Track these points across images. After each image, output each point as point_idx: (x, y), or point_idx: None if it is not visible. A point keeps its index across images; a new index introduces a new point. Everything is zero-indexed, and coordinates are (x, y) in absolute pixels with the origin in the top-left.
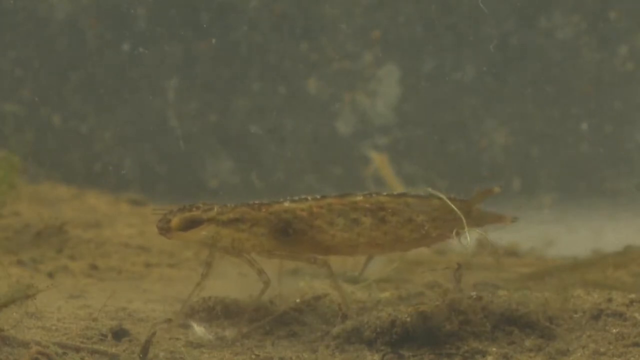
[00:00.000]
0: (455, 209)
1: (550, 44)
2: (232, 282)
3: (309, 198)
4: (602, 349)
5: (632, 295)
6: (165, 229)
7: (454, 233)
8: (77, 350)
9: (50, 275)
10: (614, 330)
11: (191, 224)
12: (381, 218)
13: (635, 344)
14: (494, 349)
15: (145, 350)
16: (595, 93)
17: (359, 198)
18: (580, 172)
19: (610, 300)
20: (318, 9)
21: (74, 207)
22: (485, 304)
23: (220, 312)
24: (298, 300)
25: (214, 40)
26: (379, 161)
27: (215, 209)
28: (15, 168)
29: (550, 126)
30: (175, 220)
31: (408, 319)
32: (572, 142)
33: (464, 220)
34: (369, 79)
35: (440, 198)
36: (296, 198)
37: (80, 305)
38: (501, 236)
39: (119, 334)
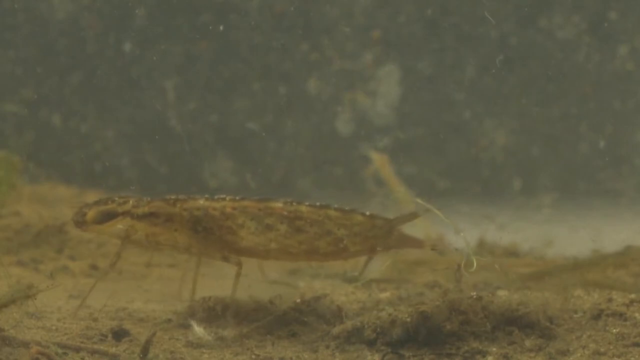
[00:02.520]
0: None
1: (550, 44)
2: (232, 282)
3: (227, 198)
4: (602, 349)
5: (632, 295)
6: (80, 222)
7: (373, 251)
8: (77, 350)
9: (50, 275)
10: (614, 331)
11: (106, 217)
12: (298, 227)
13: (636, 344)
14: (494, 349)
15: (145, 350)
16: (595, 93)
17: (278, 205)
18: (580, 172)
19: (610, 300)
20: (318, 9)
21: (74, 207)
22: (485, 304)
23: (220, 312)
24: (298, 300)
25: (206, 44)
26: (379, 161)
27: (131, 203)
28: (15, 168)
29: (550, 126)
30: (90, 213)
31: (408, 319)
32: (572, 142)
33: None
34: (369, 79)
35: (362, 214)
36: (215, 197)
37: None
38: (502, 236)
39: (119, 334)
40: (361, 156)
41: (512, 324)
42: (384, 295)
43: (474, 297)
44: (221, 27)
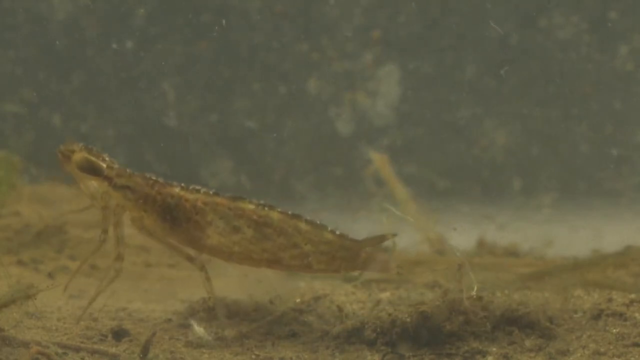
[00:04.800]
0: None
1: (550, 44)
2: (232, 282)
3: (201, 191)
4: (602, 349)
5: (632, 295)
6: (65, 156)
7: (337, 272)
8: (77, 350)
9: (50, 275)
10: (614, 330)
11: (90, 170)
12: (265, 234)
13: (635, 344)
14: (494, 349)
15: (145, 350)
16: (595, 93)
17: (250, 207)
18: (580, 172)
19: (610, 300)
20: (318, 9)
21: (74, 207)
22: (485, 304)
23: (220, 312)
24: (298, 300)
25: (206, 44)
26: (379, 161)
27: (115, 170)
28: (15, 168)
29: (550, 126)
30: (78, 156)
31: (408, 319)
32: (572, 142)
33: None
34: (369, 79)
35: (332, 232)
36: (190, 187)
37: (81, 305)
38: (502, 236)
39: (119, 334)
40: (361, 156)
41: (512, 324)
42: (384, 295)
43: (474, 297)
44: (223, 24)
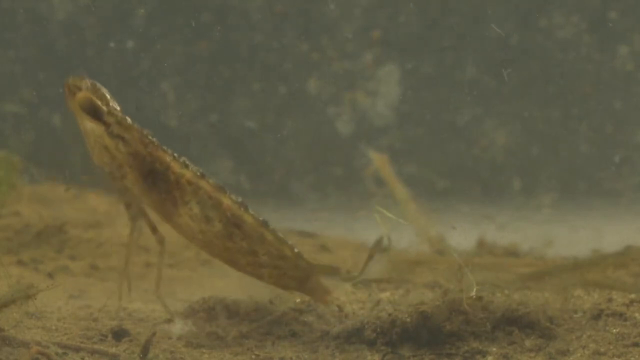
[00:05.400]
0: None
1: (550, 44)
2: (232, 282)
3: (192, 168)
4: (602, 349)
5: (632, 295)
6: (71, 92)
7: (284, 288)
8: (77, 350)
9: (50, 275)
10: (614, 331)
11: (91, 111)
12: (231, 234)
13: (636, 344)
14: (494, 349)
15: (145, 350)
16: (595, 93)
17: (228, 202)
18: (580, 172)
19: (610, 300)
20: (318, 9)
21: (74, 207)
22: (485, 304)
23: (220, 312)
24: (298, 300)
25: (206, 44)
26: (379, 161)
27: (116, 118)
28: (15, 168)
29: (550, 126)
30: (82, 94)
31: (408, 319)
32: (572, 142)
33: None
34: (369, 79)
35: (291, 249)
36: (182, 160)
37: (81, 305)
38: (502, 236)
39: (119, 334)
40: (361, 156)
41: (512, 324)
42: (384, 295)
43: (474, 297)
44: (220, 29)
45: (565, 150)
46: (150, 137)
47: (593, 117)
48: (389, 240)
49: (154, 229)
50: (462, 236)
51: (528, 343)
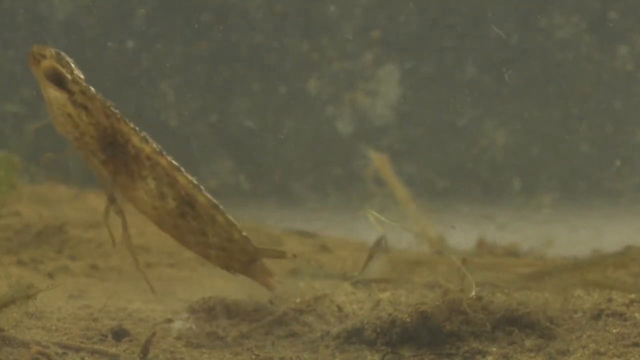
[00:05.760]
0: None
1: (550, 44)
2: (232, 282)
3: (150, 143)
4: (602, 349)
5: (632, 295)
6: (35, 60)
7: (228, 270)
8: (77, 350)
9: (50, 275)
10: (614, 331)
11: (55, 79)
12: (183, 213)
13: (636, 344)
14: (494, 349)
15: (145, 350)
16: (595, 93)
17: (183, 181)
18: (580, 172)
19: (610, 300)
20: (318, 9)
21: (74, 207)
22: (485, 304)
23: (220, 312)
24: (298, 300)
25: (206, 44)
26: (379, 161)
27: (79, 87)
28: (15, 168)
29: (550, 126)
30: (46, 62)
31: (408, 319)
32: (572, 142)
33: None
34: (369, 79)
35: (240, 233)
36: (143, 135)
37: (81, 305)
38: (502, 236)
39: (119, 334)
40: (361, 156)
41: (512, 324)
42: (384, 295)
43: (474, 297)
44: (221, 29)
45: (565, 150)
46: (112, 109)
47: (593, 117)
48: (385, 240)
49: (112, 199)
50: (462, 236)
51: (528, 343)
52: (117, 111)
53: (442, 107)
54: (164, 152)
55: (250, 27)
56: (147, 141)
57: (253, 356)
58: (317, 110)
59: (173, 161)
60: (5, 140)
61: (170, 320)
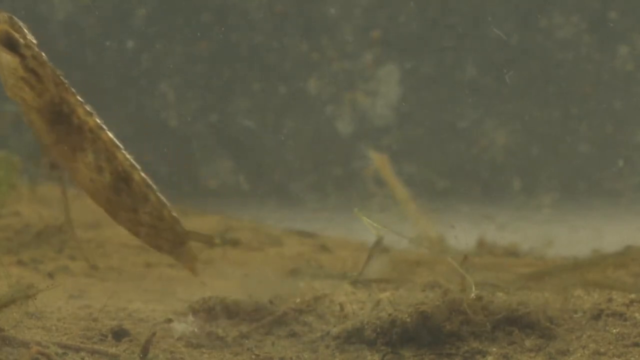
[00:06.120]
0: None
1: (550, 44)
2: (232, 282)
3: (94, 116)
4: (602, 349)
5: (632, 295)
6: None
7: (158, 249)
8: (77, 350)
9: (50, 275)
10: (614, 331)
11: (7, 43)
12: (118, 188)
13: (636, 344)
14: (494, 349)
15: (145, 350)
16: (595, 93)
17: (121, 156)
18: (580, 172)
19: (610, 300)
20: (318, 9)
21: (74, 207)
22: (485, 304)
23: (220, 312)
24: (298, 300)
25: (206, 44)
26: (379, 161)
27: (32, 52)
28: (15, 168)
29: (550, 126)
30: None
31: (408, 319)
32: (572, 142)
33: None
34: (369, 79)
35: (170, 213)
36: (88, 108)
37: (81, 305)
38: (502, 236)
39: (119, 334)
40: (361, 156)
41: (512, 324)
42: (384, 295)
43: (474, 297)
44: (222, 30)
45: (565, 150)
46: (62, 78)
47: (593, 117)
48: (381, 241)
49: (53, 165)
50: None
51: (528, 343)
52: (65, 81)
53: (442, 107)
54: (106, 128)
55: (250, 27)
56: (91, 115)
57: (253, 356)
58: (317, 110)
59: (114, 138)
60: (5, 140)
61: (170, 320)
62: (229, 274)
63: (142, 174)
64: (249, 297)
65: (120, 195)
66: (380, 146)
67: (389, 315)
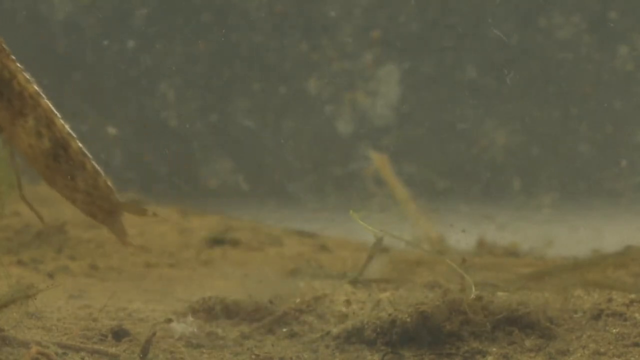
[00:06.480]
0: None
1: (550, 44)
2: (232, 282)
3: (34, 84)
4: (602, 349)
5: (632, 295)
6: None
7: (92, 217)
8: (77, 350)
9: (50, 275)
10: (614, 331)
11: None
12: (56, 155)
13: (636, 344)
14: (494, 349)
15: (145, 350)
16: (595, 93)
17: (60, 123)
18: (580, 172)
19: (610, 300)
20: (318, 9)
21: (74, 207)
22: (485, 304)
23: (220, 312)
24: (298, 300)
25: (205, 44)
26: (379, 161)
27: None
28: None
29: (550, 126)
30: None
31: (408, 319)
32: (572, 142)
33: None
34: (369, 79)
35: (106, 182)
36: (27, 76)
37: (81, 305)
38: (502, 236)
39: (119, 334)
40: (361, 156)
41: (512, 324)
42: (384, 295)
43: (474, 297)
44: (223, 32)
45: (565, 150)
46: (3, 45)
47: (593, 117)
48: (381, 241)
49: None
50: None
51: (528, 343)
52: (7, 48)
53: (442, 107)
54: (44, 96)
55: (250, 27)
56: (30, 82)
57: (253, 356)
58: (317, 110)
59: (51, 106)
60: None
61: (170, 320)
62: (229, 274)
63: (79, 143)
64: (249, 297)
65: (58, 162)
66: (380, 146)
67: (389, 315)
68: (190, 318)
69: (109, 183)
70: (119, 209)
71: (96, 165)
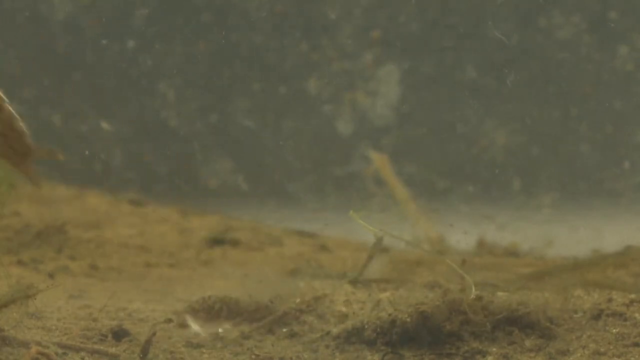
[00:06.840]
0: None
1: (550, 44)
2: (232, 282)
3: None
4: (602, 349)
5: (632, 295)
6: None
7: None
8: (77, 350)
9: (51, 275)
10: (614, 331)
11: None
12: None
13: (636, 344)
14: (494, 349)
15: (145, 350)
16: (595, 93)
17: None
18: (580, 172)
19: (610, 300)
20: (318, 9)
21: (74, 207)
22: (485, 304)
23: (220, 312)
24: (298, 300)
25: (204, 44)
26: (379, 161)
27: None
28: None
29: (550, 126)
30: None
31: (408, 319)
32: (572, 142)
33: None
34: (369, 79)
35: (21, 127)
36: None
37: (81, 305)
38: (502, 236)
39: (119, 334)
40: (361, 156)
41: (512, 324)
42: (384, 295)
43: (474, 297)
44: (223, 33)
45: (565, 150)
46: None
47: (593, 117)
48: (381, 241)
49: None
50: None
51: (528, 343)
52: None
53: (442, 107)
54: None
55: (250, 27)
56: None
57: (253, 356)
58: (317, 110)
59: None
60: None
61: (170, 320)
62: (229, 274)
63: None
64: (249, 297)
65: None
66: (380, 146)
67: (389, 315)
68: (191, 320)
69: (24, 127)
70: (31, 151)
71: (12, 109)
